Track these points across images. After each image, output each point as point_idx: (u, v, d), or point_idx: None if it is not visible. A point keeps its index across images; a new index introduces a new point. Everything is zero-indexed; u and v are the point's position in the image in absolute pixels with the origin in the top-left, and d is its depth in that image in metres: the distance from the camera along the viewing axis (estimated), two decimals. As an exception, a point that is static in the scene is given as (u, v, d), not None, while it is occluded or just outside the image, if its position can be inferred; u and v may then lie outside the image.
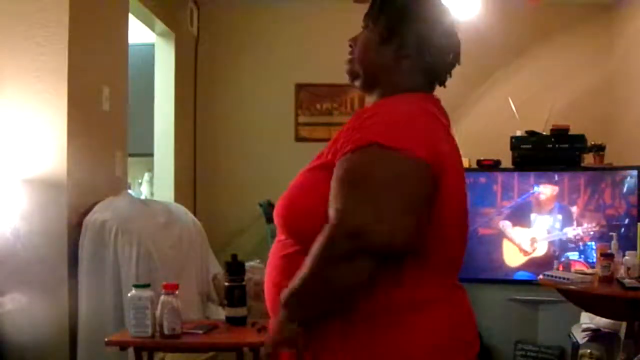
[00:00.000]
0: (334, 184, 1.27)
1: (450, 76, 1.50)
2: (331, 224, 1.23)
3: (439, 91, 1.59)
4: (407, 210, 1.23)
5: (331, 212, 1.24)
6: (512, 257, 4.41)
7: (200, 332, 2.53)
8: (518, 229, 4.41)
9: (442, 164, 1.30)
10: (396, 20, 1.43)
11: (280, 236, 1.41)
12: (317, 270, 1.24)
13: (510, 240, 4.41)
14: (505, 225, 4.43)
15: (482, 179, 4.47)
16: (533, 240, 4.37)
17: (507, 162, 4.48)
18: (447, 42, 1.47)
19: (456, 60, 1.49)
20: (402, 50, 1.43)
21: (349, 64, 1.50)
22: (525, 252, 4.38)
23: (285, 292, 1.29)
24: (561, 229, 4.32)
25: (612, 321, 3.64)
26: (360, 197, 1.23)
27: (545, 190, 4.39)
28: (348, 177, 1.25)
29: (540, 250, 4.36)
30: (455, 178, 1.36)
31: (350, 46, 1.50)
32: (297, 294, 1.27)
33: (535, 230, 4.38)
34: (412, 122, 1.32)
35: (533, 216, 4.39)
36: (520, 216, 4.41)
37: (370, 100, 1.49)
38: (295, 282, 1.27)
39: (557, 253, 4.27)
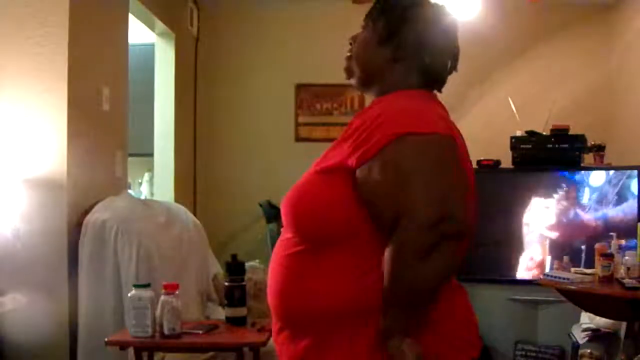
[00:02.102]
0: (384, 184, 1.27)
1: (444, 82, 1.52)
2: (409, 221, 1.22)
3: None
4: (460, 189, 1.30)
5: (400, 209, 1.24)
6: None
7: (200, 332, 2.54)
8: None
9: (457, 142, 1.36)
10: (396, 22, 1.44)
11: (286, 234, 1.41)
12: (411, 269, 1.23)
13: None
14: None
15: (482, 179, 4.46)
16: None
17: (507, 162, 4.48)
18: (446, 46, 1.48)
19: (454, 65, 1.51)
20: (399, 51, 1.44)
21: (346, 61, 1.52)
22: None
23: (390, 314, 1.26)
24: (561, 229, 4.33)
25: (612, 321, 3.63)
26: (422, 186, 1.25)
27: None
28: (399, 171, 1.26)
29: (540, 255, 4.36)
30: (465, 160, 1.40)
31: (350, 44, 1.52)
32: (401, 303, 1.25)
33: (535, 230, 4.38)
34: (421, 108, 1.36)
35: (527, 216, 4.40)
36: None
37: (369, 97, 1.51)
38: (393, 294, 1.25)
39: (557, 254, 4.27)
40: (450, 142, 1.32)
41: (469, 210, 1.32)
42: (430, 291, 1.27)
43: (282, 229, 1.44)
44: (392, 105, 1.38)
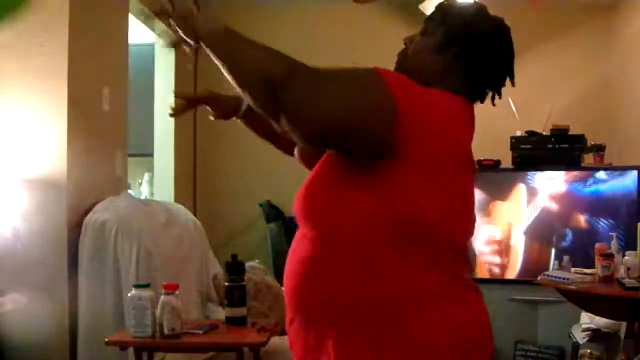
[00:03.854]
0: None
1: (500, 96, 1.52)
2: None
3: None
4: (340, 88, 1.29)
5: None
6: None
7: (200, 332, 2.54)
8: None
9: (426, 120, 1.31)
10: (456, 33, 1.44)
11: (303, 229, 1.39)
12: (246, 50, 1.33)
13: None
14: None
15: (482, 179, 4.47)
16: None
17: (507, 162, 4.48)
18: (503, 62, 1.48)
19: (505, 80, 1.50)
20: (454, 62, 1.44)
21: (400, 57, 1.51)
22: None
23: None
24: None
25: (612, 321, 3.63)
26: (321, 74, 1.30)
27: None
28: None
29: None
30: (460, 162, 1.38)
31: (405, 44, 1.52)
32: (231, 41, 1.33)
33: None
34: (428, 96, 1.35)
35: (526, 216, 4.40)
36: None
37: None
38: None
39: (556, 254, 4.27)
40: (387, 94, 1.28)
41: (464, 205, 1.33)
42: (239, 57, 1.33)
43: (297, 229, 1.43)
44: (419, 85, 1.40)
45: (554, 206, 4.38)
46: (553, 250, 4.32)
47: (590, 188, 4.32)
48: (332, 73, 1.31)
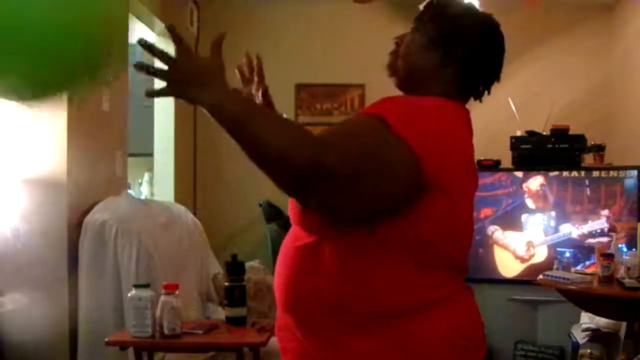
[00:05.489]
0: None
1: (489, 93, 1.51)
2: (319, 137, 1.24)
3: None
4: (365, 145, 1.24)
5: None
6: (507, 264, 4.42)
7: (200, 332, 2.54)
8: (510, 233, 4.41)
9: (440, 163, 1.29)
10: (446, 31, 1.45)
11: (295, 225, 1.40)
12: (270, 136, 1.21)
13: (504, 246, 4.42)
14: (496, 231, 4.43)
15: (482, 179, 4.47)
16: (529, 245, 4.38)
17: (507, 162, 4.48)
18: (493, 57, 1.48)
19: (497, 77, 1.50)
20: (446, 59, 1.44)
21: (391, 57, 1.51)
22: (522, 259, 4.39)
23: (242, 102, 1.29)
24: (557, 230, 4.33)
25: (612, 321, 3.64)
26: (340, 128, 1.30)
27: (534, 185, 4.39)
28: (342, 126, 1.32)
29: (539, 256, 4.36)
30: (459, 184, 1.36)
31: (396, 43, 1.52)
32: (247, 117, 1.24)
33: (531, 234, 4.38)
34: (427, 118, 1.33)
35: (525, 217, 4.40)
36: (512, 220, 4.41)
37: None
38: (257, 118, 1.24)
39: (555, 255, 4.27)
40: (401, 144, 1.25)
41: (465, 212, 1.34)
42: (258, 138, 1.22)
43: (290, 227, 1.43)
44: (412, 99, 1.41)
45: (554, 206, 4.38)
46: (553, 250, 4.32)
47: (590, 188, 4.32)
48: (359, 156, 1.22)
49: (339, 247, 1.32)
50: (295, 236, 1.39)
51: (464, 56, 1.44)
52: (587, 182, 4.33)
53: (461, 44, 1.44)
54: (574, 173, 4.36)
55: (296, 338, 1.38)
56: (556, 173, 4.38)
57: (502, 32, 1.51)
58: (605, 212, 4.26)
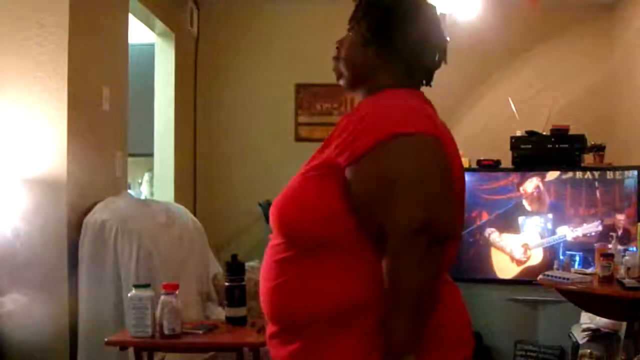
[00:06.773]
0: (367, 192, 1.29)
1: (432, 76, 1.52)
2: (393, 229, 1.24)
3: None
4: (445, 190, 1.29)
5: (390, 217, 1.25)
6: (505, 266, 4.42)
7: (200, 332, 2.53)
8: (506, 235, 4.41)
9: (444, 141, 1.35)
10: (378, 22, 1.45)
11: (275, 240, 1.41)
12: (407, 279, 1.23)
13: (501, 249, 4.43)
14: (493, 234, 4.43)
15: (482, 179, 4.47)
16: (525, 247, 4.38)
17: (507, 162, 4.48)
18: (432, 39, 1.49)
19: (442, 58, 1.51)
20: (384, 50, 1.45)
21: (334, 62, 1.54)
22: (519, 262, 4.39)
23: (398, 328, 1.24)
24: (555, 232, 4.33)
25: (612, 321, 3.64)
26: (404, 192, 1.26)
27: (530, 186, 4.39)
28: (381, 179, 1.27)
29: (536, 258, 4.36)
30: (454, 158, 1.39)
31: (337, 48, 1.54)
32: (405, 315, 1.24)
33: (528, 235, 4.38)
34: (405, 107, 1.36)
35: (522, 219, 4.40)
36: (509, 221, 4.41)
37: (358, 99, 1.52)
38: (397, 307, 1.24)
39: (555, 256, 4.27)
40: (434, 141, 1.31)
41: (456, 210, 1.34)
42: (430, 297, 1.27)
43: (270, 235, 1.44)
44: (376, 105, 1.39)
45: (554, 206, 4.38)
46: (553, 250, 4.32)
47: (590, 188, 4.32)
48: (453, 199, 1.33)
49: (320, 256, 1.33)
50: (276, 250, 1.40)
51: (400, 45, 1.44)
52: (586, 182, 4.33)
53: (395, 32, 1.44)
54: (574, 173, 4.35)
55: (280, 344, 1.39)
56: (556, 173, 4.38)
57: (436, 11, 1.52)
58: (605, 212, 4.26)
